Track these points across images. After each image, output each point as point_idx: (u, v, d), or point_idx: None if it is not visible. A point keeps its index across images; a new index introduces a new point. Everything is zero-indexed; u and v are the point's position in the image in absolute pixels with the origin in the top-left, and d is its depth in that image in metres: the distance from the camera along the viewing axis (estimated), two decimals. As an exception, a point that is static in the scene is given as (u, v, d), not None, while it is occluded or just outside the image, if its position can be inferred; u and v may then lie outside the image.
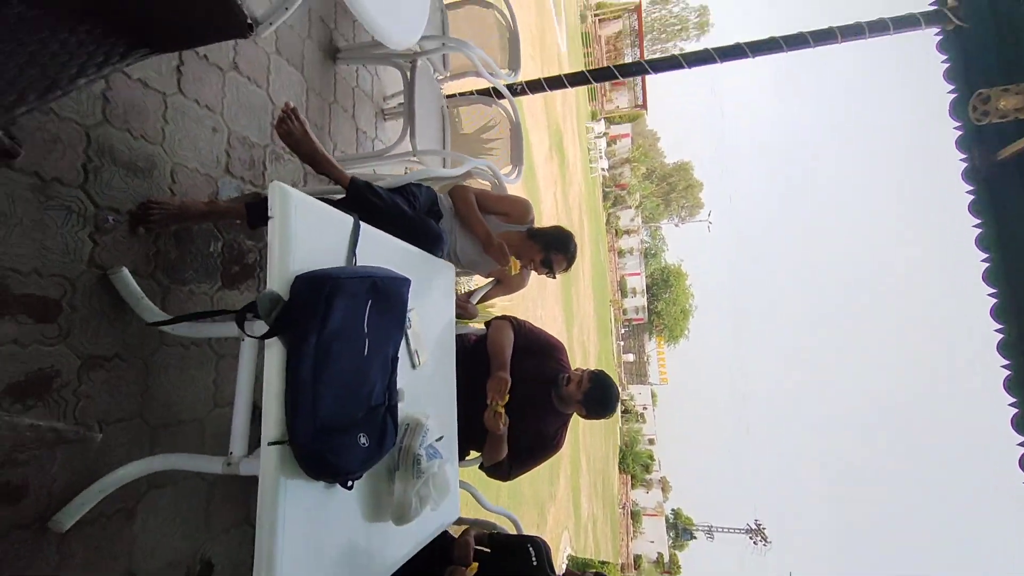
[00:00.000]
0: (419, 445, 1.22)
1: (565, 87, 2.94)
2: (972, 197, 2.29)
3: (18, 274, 1.11)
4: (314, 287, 0.92)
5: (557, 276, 2.15)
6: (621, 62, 30.68)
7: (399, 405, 1.18)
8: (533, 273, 2.18)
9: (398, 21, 1.65)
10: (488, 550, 1.81)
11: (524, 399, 2.04)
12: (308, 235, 1.00)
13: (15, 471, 1.08)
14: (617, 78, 2.84)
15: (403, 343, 1.37)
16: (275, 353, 0.91)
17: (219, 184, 1.68)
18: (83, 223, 1.25)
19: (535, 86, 2.93)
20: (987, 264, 2.22)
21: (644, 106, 31.23)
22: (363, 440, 1.04)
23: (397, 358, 1.17)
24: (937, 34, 2.47)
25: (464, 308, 2.01)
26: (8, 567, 1.06)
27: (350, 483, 1.04)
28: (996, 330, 2.26)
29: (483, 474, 2.08)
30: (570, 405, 2.05)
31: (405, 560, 1.30)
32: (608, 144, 35.80)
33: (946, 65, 2.44)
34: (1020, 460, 2.16)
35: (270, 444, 0.89)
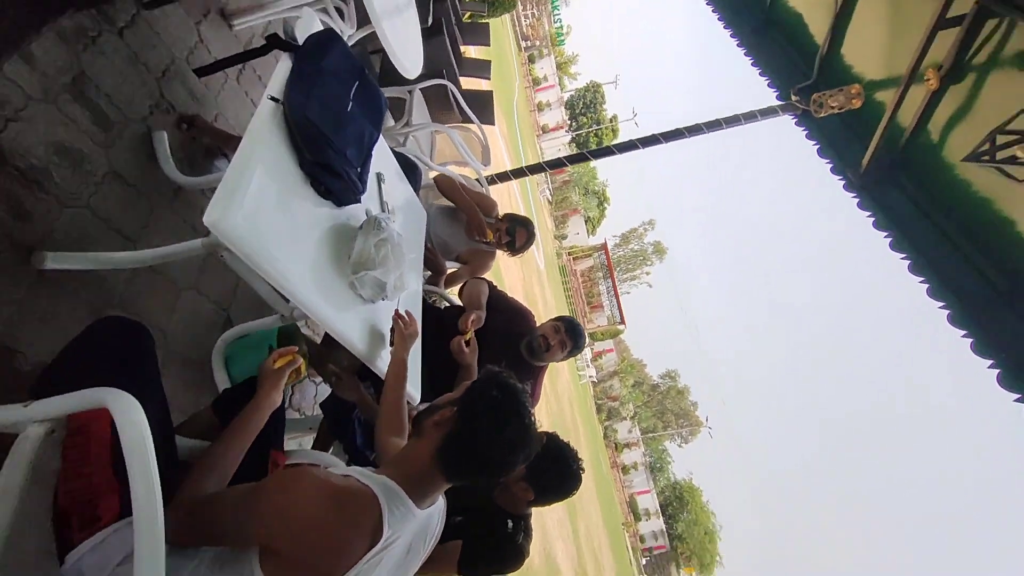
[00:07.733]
0: (384, 214, 1.40)
1: (526, 175, 3.72)
2: (857, 199, 2.82)
3: (99, 89, 1.49)
4: (318, 35, 1.32)
5: (517, 253, 2.49)
6: (596, 290, 34.63)
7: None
8: None
9: (409, 59, 2.40)
10: None
11: (492, 352, 2.11)
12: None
13: (31, 197, 1.25)
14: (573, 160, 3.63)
15: (377, 191, 1.65)
16: (284, 64, 1.25)
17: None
18: (151, 97, 1.68)
19: (503, 176, 3.71)
20: (889, 238, 2.59)
21: (623, 321, 34.02)
22: (334, 161, 1.27)
23: (372, 147, 1.46)
24: (793, 117, 3.38)
25: (434, 254, 2.25)
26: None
27: (322, 187, 1.23)
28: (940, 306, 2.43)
29: None
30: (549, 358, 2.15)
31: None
32: (594, 359, 37.54)
33: (804, 133, 3.28)
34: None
35: (270, 98, 1.15)
